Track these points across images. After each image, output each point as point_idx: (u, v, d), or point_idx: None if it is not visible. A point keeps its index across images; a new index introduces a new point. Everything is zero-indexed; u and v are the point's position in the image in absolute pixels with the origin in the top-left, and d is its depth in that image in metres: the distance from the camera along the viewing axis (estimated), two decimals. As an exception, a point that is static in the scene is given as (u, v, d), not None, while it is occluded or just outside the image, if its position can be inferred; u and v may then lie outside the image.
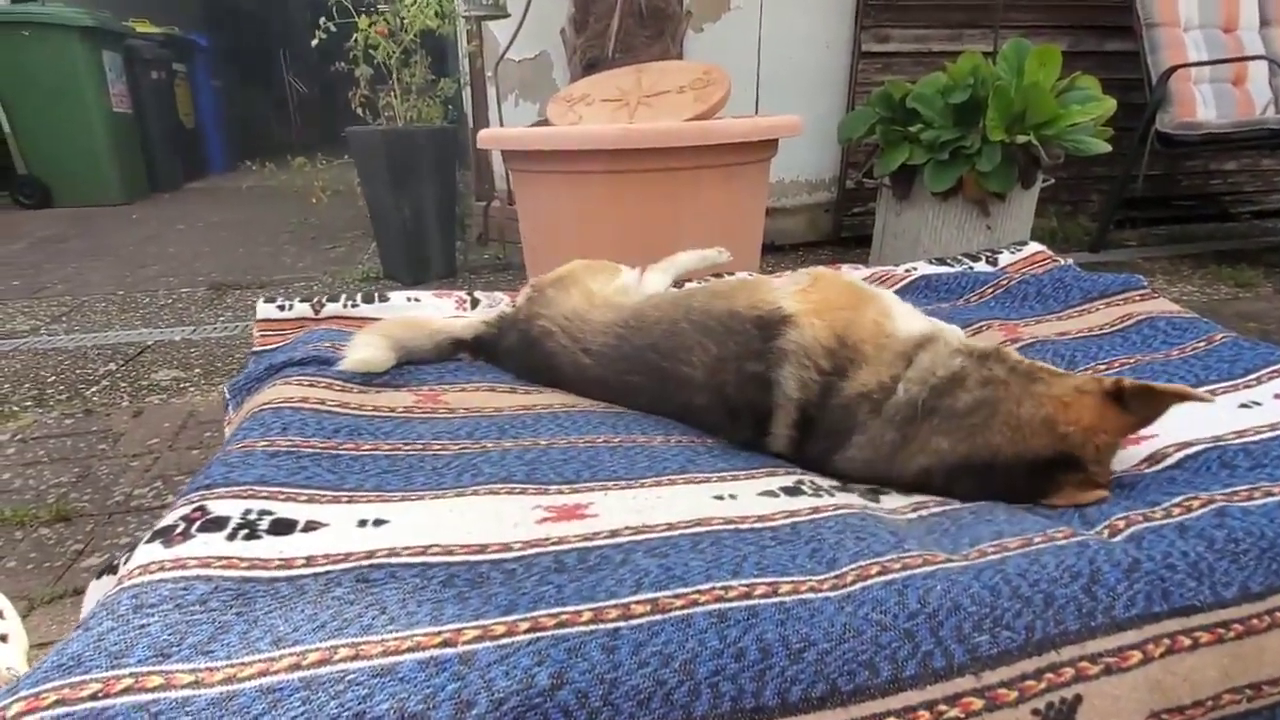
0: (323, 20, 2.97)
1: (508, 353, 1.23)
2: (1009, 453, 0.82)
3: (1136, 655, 0.62)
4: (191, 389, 2.05)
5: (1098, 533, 0.73)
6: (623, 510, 0.81)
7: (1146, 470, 0.86)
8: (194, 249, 3.90)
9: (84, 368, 2.23)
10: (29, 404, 1.97)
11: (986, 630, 0.60)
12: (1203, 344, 1.16)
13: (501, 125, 3.09)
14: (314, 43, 2.95)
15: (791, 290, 1.03)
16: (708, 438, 1.02)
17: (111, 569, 0.73)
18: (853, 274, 1.49)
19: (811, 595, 0.64)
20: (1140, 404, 0.81)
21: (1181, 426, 0.90)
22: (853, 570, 0.67)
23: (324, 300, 1.38)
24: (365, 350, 1.12)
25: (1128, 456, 0.90)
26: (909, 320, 0.98)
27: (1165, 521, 0.72)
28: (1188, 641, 0.63)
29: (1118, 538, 0.71)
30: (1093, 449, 0.80)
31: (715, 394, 1.01)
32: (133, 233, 4.36)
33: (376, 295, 1.42)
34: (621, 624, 0.61)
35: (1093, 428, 0.80)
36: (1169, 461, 0.86)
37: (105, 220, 4.70)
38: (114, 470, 1.61)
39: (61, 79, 4.85)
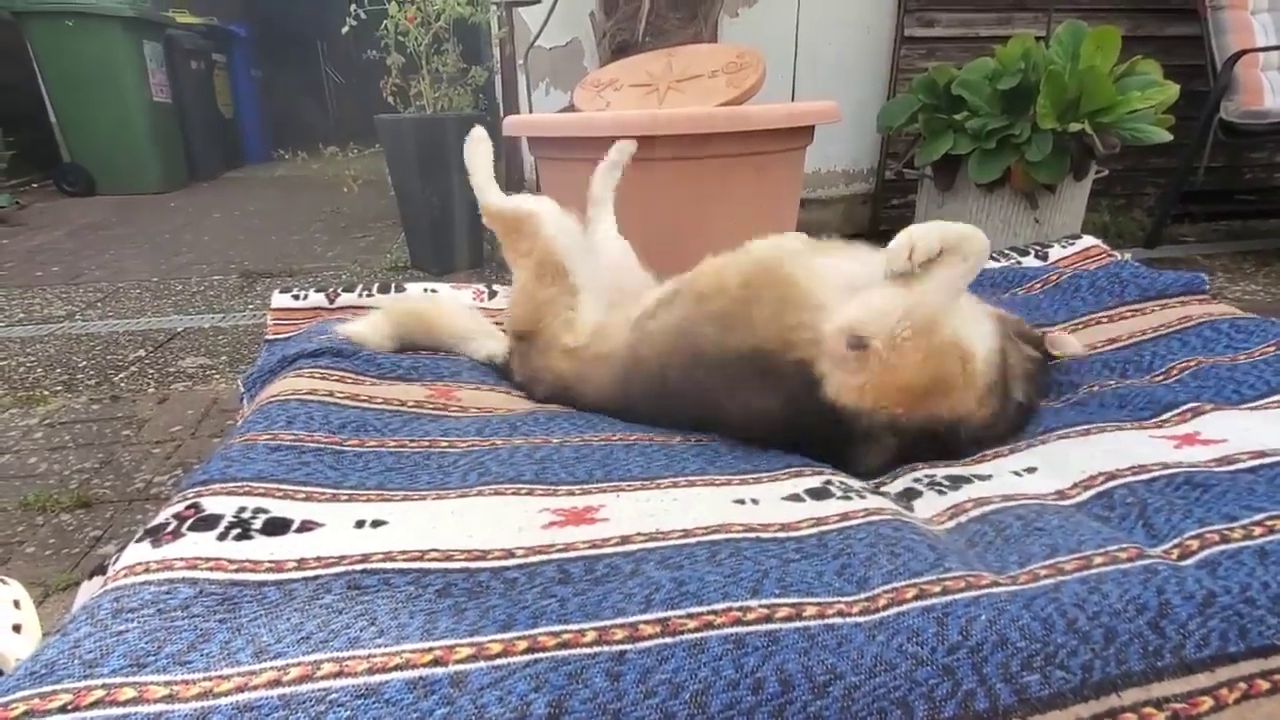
0: (353, 7, 2.96)
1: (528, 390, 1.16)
2: None
3: (1208, 701, 0.55)
4: (217, 376, 2.05)
5: (1166, 552, 0.66)
6: (636, 514, 0.75)
7: (1218, 470, 0.77)
8: (228, 237, 3.94)
9: (114, 353, 2.25)
10: (59, 389, 1.99)
11: (1037, 669, 0.54)
12: (1271, 348, 1.07)
13: (531, 113, 3.04)
14: (344, 29, 2.94)
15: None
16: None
17: (101, 569, 0.70)
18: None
19: (839, 620, 0.58)
20: None
21: (1253, 437, 0.82)
22: (886, 592, 0.61)
23: (339, 290, 1.35)
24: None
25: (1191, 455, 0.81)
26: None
27: (1245, 544, 0.64)
28: (1266, 685, 0.56)
29: (1189, 560, 0.64)
30: None
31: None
32: (170, 221, 4.43)
33: (393, 285, 1.38)
34: (628, 647, 0.56)
35: None
36: (1242, 465, 0.78)
37: (145, 208, 4.77)
38: (136, 457, 1.60)
39: (103, 68, 4.93)
